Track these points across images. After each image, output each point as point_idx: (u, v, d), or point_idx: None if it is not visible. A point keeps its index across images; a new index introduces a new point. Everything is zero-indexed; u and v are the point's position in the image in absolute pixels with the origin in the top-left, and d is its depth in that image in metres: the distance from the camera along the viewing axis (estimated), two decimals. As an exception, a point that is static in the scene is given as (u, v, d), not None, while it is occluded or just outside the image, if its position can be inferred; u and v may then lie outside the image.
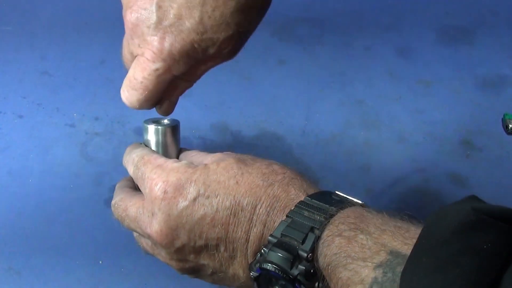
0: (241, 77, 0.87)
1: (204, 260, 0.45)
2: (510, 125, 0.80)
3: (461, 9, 1.01)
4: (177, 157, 0.51)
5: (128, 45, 0.46)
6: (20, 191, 0.70)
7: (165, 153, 0.51)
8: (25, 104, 0.81)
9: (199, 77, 0.49)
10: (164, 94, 0.48)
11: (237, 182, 0.43)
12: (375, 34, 0.96)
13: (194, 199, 0.43)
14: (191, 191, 0.43)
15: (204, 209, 0.43)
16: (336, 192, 0.44)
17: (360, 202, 0.43)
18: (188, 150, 0.52)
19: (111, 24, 0.94)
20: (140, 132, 0.78)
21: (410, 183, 0.74)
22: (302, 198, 0.42)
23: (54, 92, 0.83)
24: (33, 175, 0.72)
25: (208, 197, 0.43)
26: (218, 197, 0.43)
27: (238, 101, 0.82)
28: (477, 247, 0.30)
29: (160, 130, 0.50)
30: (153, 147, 0.51)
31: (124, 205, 0.48)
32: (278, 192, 0.43)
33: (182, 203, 0.43)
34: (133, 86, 0.46)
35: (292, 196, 0.42)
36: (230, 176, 0.43)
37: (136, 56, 0.45)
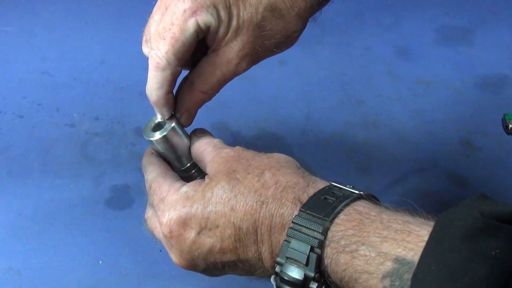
0: (241, 77, 0.86)
1: (230, 272, 0.48)
2: (510, 125, 0.80)
3: (461, 9, 1.01)
4: (189, 148, 0.52)
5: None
6: (20, 191, 0.70)
7: (177, 151, 0.51)
8: (25, 104, 0.81)
9: (216, 88, 0.50)
10: (184, 99, 0.50)
11: (232, 208, 0.44)
12: (375, 34, 0.96)
13: (198, 233, 0.45)
14: (194, 226, 0.45)
15: (210, 240, 0.45)
16: (333, 184, 0.44)
17: (357, 192, 0.43)
18: (198, 139, 0.51)
19: (111, 24, 0.94)
20: (140, 132, 0.78)
21: (410, 183, 0.74)
22: (296, 211, 0.42)
23: (54, 92, 0.83)
24: (33, 175, 0.72)
25: (210, 229, 0.44)
26: (219, 227, 0.44)
27: (238, 101, 0.82)
28: (486, 254, 0.31)
29: (163, 139, 0.50)
30: (164, 152, 0.52)
31: (151, 226, 0.51)
32: (273, 210, 0.43)
33: (189, 239, 0.45)
34: (162, 36, 0.46)
35: (286, 212, 0.43)
36: (225, 202, 0.44)
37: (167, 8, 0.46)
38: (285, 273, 0.41)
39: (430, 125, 0.81)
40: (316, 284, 0.40)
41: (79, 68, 0.87)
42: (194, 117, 0.52)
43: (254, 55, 0.49)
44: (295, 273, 0.40)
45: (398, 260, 0.35)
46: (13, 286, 0.61)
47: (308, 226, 0.40)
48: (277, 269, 0.42)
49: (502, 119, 0.82)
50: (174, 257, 0.47)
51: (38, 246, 0.64)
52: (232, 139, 0.78)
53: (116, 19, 0.95)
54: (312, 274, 0.40)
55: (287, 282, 0.41)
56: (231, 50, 0.48)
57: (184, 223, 0.45)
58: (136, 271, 0.62)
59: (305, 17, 0.51)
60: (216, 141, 0.50)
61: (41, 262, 0.63)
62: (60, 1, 0.98)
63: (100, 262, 0.63)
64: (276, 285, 0.42)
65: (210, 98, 0.51)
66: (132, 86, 0.84)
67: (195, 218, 0.45)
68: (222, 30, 0.47)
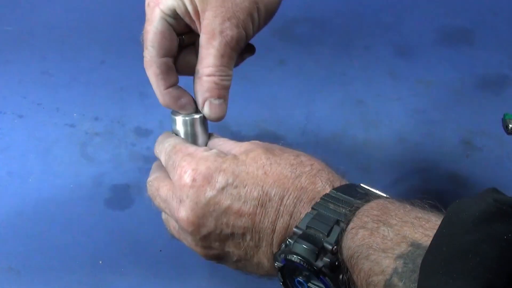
0: (241, 77, 0.87)
1: (229, 248, 0.45)
2: (510, 125, 0.80)
3: (461, 9, 1.01)
4: (206, 143, 0.51)
5: None
6: (20, 191, 0.70)
7: (194, 143, 0.51)
8: (25, 104, 0.81)
9: (218, 67, 0.47)
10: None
11: (265, 173, 0.43)
12: (375, 34, 0.96)
13: (222, 189, 0.43)
14: (220, 180, 0.43)
15: (232, 198, 0.43)
16: (361, 185, 0.44)
17: (384, 195, 0.43)
18: (217, 137, 0.52)
19: (111, 25, 0.94)
20: (140, 133, 0.78)
21: (410, 183, 0.74)
22: (328, 191, 0.42)
23: (54, 92, 0.83)
24: (33, 175, 0.72)
25: (236, 186, 0.43)
26: (246, 187, 0.43)
27: (238, 101, 0.82)
28: (498, 237, 0.31)
29: (188, 121, 0.50)
30: (182, 137, 0.51)
31: (157, 184, 0.48)
32: (305, 184, 0.43)
33: (210, 192, 0.43)
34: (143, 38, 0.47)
35: (318, 189, 0.43)
36: (259, 166, 0.43)
37: None
38: (302, 240, 0.39)
39: (430, 125, 0.81)
40: (332, 256, 0.39)
41: (79, 68, 0.87)
42: (220, 108, 0.49)
43: (233, 18, 0.46)
44: (312, 241, 0.39)
45: (414, 244, 0.35)
46: (13, 286, 0.61)
47: (337, 203, 0.40)
48: (291, 239, 0.40)
49: (502, 119, 0.81)
50: (183, 211, 0.44)
51: (38, 246, 0.64)
52: (232, 139, 0.78)
53: (116, 19, 0.95)
54: (330, 246, 0.39)
55: (301, 250, 0.39)
56: (209, 22, 0.46)
57: (211, 175, 0.43)
58: (136, 271, 0.62)
59: None
60: (234, 140, 0.50)
61: (41, 262, 0.63)
62: (60, 1, 0.98)
63: (100, 262, 0.63)
64: (283, 257, 0.41)
65: (223, 82, 0.48)
66: (132, 86, 0.84)
67: (224, 173, 0.43)
68: (190, 8, 0.46)
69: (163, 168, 0.51)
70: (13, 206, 0.68)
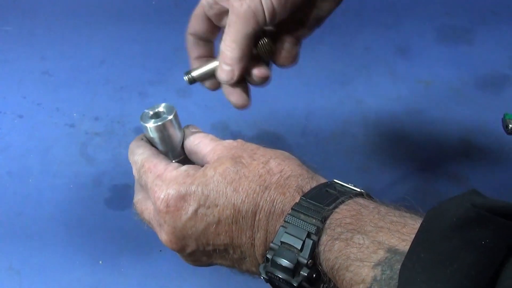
0: (241, 77, 0.87)
1: (217, 260, 0.47)
2: (510, 125, 0.80)
3: (461, 8, 1.02)
4: (182, 142, 0.51)
5: None
6: (20, 191, 0.70)
7: (169, 144, 0.51)
8: (25, 104, 0.81)
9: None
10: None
11: (235, 190, 0.43)
12: (375, 34, 0.96)
13: (196, 211, 0.44)
14: (192, 203, 0.44)
15: (206, 219, 0.44)
16: (334, 181, 0.44)
17: (357, 189, 0.43)
18: (192, 134, 0.51)
19: (111, 24, 0.94)
20: (140, 133, 0.78)
21: (410, 183, 0.74)
22: (297, 199, 0.42)
23: (54, 92, 0.83)
24: (33, 175, 0.72)
25: (208, 207, 0.44)
26: (218, 206, 0.43)
27: (238, 101, 0.82)
28: (476, 243, 0.30)
29: (158, 127, 0.50)
30: (157, 143, 0.51)
31: (140, 208, 0.49)
32: (275, 195, 0.43)
33: (185, 216, 0.44)
34: None
35: (288, 199, 0.43)
36: (228, 183, 0.44)
37: None
38: (277, 257, 0.40)
39: (430, 125, 0.81)
40: (308, 270, 0.39)
41: (79, 68, 0.87)
42: (231, 73, 0.52)
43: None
44: (287, 258, 0.39)
45: (390, 250, 0.35)
46: (13, 286, 0.61)
47: (307, 213, 0.40)
48: (269, 254, 0.41)
49: (502, 119, 0.81)
50: (165, 235, 0.45)
51: (38, 246, 0.64)
52: (232, 139, 0.77)
53: (116, 19, 0.95)
54: (305, 261, 0.39)
55: (278, 267, 0.40)
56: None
57: (182, 198, 0.44)
58: (136, 271, 0.62)
59: None
60: (211, 135, 0.50)
61: (41, 262, 0.63)
62: (60, 1, 0.98)
63: (100, 262, 0.63)
64: (265, 272, 0.41)
65: (233, 54, 0.51)
66: (132, 86, 0.84)
67: (194, 195, 0.44)
68: None
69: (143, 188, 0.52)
70: (13, 206, 0.68)
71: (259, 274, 0.43)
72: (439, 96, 0.86)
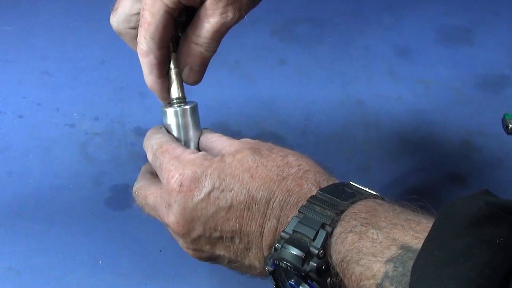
0: (241, 77, 0.87)
1: (220, 251, 0.46)
2: (510, 125, 0.80)
3: (461, 9, 1.02)
4: (198, 139, 0.51)
5: None
6: (20, 191, 0.70)
7: (186, 135, 0.51)
8: (25, 104, 0.81)
9: (209, 40, 0.47)
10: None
11: (251, 176, 0.43)
12: (375, 34, 0.96)
13: (209, 193, 0.43)
14: (206, 185, 0.43)
15: (219, 202, 0.43)
16: (350, 183, 0.44)
17: (374, 192, 0.43)
18: (210, 132, 0.51)
19: (111, 24, 0.94)
20: (140, 133, 0.78)
21: (410, 183, 0.74)
22: (314, 192, 0.42)
23: (54, 92, 0.83)
24: (33, 175, 0.72)
25: (222, 191, 0.43)
26: (233, 191, 0.43)
27: (238, 101, 0.82)
28: (489, 241, 0.30)
29: (178, 112, 0.50)
30: (174, 130, 0.51)
31: (144, 193, 0.49)
32: (292, 186, 0.43)
33: (197, 197, 0.43)
34: (140, 24, 0.47)
35: (305, 190, 0.43)
36: (245, 169, 0.43)
37: None
38: (288, 245, 0.39)
39: (430, 125, 0.81)
40: (318, 261, 0.39)
41: (79, 68, 0.87)
42: (198, 74, 0.50)
43: (236, 2, 0.46)
44: (298, 246, 0.39)
45: (404, 247, 0.35)
46: (13, 286, 0.61)
47: (323, 206, 0.40)
48: (278, 243, 0.40)
49: (502, 119, 0.81)
50: (172, 215, 0.44)
51: (38, 246, 0.64)
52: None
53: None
54: (316, 251, 0.39)
55: (288, 255, 0.39)
56: (212, 2, 0.46)
57: (197, 180, 0.43)
58: (136, 271, 0.62)
59: None
60: (228, 136, 0.50)
61: (41, 262, 0.63)
62: (60, 1, 0.98)
63: (100, 262, 0.63)
64: (272, 260, 0.41)
65: (209, 53, 0.49)
66: (132, 86, 0.84)
67: (210, 178, 0.43)
68: None
69: (147, 175, 0.51)
70: (13, 206, 0.68)
71: (264, 266, 0.43)
72: (439, 96, 0.86)
